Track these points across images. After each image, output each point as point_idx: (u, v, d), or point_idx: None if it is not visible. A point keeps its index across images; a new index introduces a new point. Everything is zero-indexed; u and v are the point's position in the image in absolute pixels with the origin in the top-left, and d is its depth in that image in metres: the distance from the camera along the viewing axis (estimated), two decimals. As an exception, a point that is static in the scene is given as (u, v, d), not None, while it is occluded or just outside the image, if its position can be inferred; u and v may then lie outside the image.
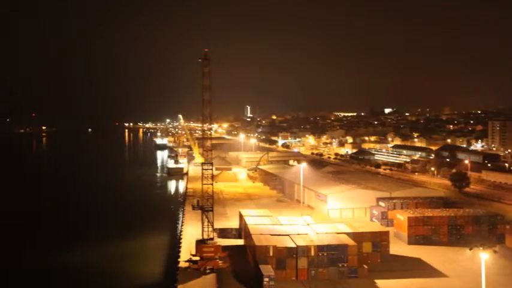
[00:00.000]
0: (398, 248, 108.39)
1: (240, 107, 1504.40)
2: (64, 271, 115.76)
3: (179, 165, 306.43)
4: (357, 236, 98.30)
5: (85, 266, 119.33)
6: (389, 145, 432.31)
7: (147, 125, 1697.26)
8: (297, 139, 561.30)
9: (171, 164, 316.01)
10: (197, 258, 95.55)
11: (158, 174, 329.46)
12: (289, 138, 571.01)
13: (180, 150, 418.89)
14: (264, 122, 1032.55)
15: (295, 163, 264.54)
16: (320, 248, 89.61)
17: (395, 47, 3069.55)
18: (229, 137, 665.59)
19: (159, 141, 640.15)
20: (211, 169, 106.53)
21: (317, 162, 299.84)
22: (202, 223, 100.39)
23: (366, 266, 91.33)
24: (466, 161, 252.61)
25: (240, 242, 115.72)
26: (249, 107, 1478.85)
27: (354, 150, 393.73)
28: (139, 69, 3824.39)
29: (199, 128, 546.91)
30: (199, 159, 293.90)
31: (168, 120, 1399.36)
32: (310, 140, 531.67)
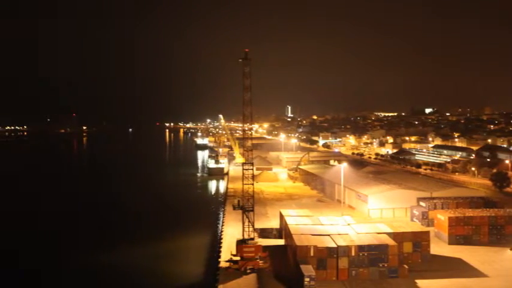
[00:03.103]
0: (439, 248, 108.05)
1: (281, 107, 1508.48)
2: (105, 271, 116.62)
3: (220, 165, 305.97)
4: (397, 236, 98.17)
5: (126, 265, 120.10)
6: (430, 145, 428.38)
7: (187, 125, 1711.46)
8: (338, 139, 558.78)
9: (211, 164, 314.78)
10: (238, 258, 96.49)
11: (199, 174, 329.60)
12: (330, 138, 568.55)
13: (220, 150, 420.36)
14: (304, 122, 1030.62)
15: (336, 163, 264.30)
16: (361, 248, 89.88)
17: (441, 48, 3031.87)
18: (270, 137, 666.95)
19: (199, 141, 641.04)
20: (252, 169, 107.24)
21: (357, 162, 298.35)
22: (243, 223, 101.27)
23: (406, 266, 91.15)
24: (507, 161, 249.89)
25: (281, 242, 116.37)
26: (289, 107, 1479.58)
27: (395, 150, 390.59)
28: (181, 70, 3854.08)
29: (240, 128, 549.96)
30: (239, 159, 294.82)
31: (208, 120, 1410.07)
32: (351, 140, 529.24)
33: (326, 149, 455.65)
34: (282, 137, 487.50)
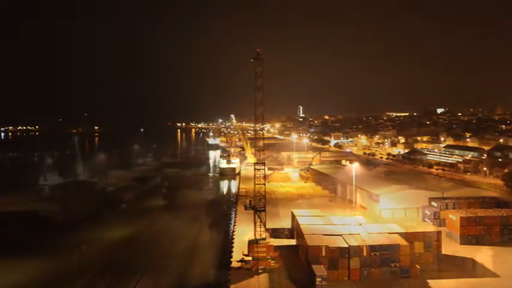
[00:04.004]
0: (451, 248, 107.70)
1: (293, 107, 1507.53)
2: (115, 270, 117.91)
3: (231, 165, 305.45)
4: (409, 236, 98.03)
5: (136, 264, 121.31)
6: (442, 145, 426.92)
7: (199, 125, 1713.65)
8: (349, 139, 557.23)
9: (223, 164, 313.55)
10: (249, 258, 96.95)
11: (210, 174, 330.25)
12: (342, 138, 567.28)
13: (232, 150, 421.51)
14: (316, 122, 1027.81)
15: (348, 163, 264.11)
16: (372, 248, 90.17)
17: (448, 47, 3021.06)
18: (282, 137, 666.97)
19: (211, 141, 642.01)
20: (264, 169, 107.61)
21: (369, 162, 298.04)
22: (255, 223, 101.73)
23: (418, 266, 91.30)
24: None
25: (292, 242, 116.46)
26: (301, 107, 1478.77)
27: (406, 150, 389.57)
28: (193, 70, 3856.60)
29: (252, 128, 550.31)
30: (251, 159, 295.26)
31: (220, 120, 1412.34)
32: (363, 140, 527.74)
33: (338, 149, 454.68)
34: (294, 137, 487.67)
